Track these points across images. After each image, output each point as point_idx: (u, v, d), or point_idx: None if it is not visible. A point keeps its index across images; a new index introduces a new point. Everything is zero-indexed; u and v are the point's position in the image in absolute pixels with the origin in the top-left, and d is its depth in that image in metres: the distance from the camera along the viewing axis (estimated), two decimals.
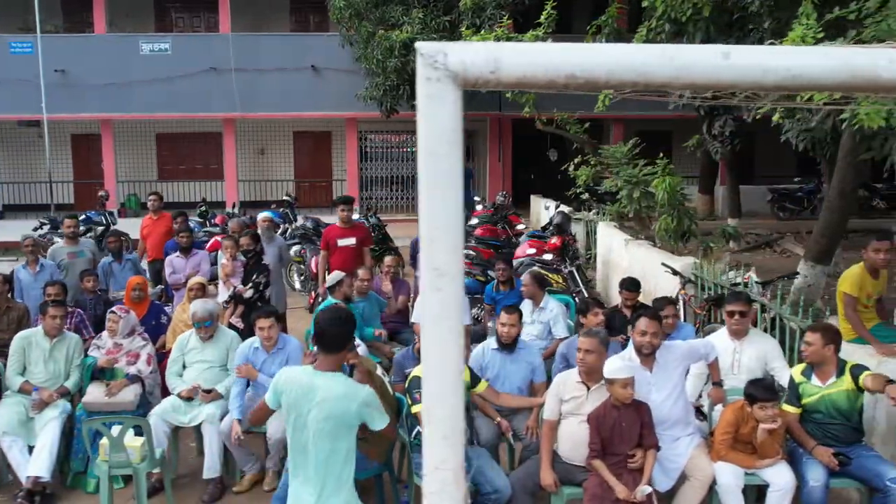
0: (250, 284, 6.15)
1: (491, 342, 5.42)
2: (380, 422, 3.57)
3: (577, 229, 13.20)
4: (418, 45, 1.12)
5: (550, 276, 8.75)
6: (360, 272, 7.11)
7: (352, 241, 8.20)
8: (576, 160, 12.69)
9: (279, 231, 13.55)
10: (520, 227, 12.08)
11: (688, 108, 11.81)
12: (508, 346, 5.29)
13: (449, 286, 1.16)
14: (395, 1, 15.63)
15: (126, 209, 18.56)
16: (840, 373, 4.59)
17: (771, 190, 18.13)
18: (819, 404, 4.59)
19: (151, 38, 18.08)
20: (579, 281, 8.69)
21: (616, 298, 9.70)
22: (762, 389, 4.48)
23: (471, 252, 11.25)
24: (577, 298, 8.65)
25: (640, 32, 8.44)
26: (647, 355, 4.78)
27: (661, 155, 11.77)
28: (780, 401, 4.83)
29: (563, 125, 12.94)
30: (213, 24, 19.54)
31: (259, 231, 8.71)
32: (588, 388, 4.58)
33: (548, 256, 9.35)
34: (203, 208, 14.16)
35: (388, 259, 7.79)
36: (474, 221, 13.33)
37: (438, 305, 1.10)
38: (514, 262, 9.84)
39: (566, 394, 4.67)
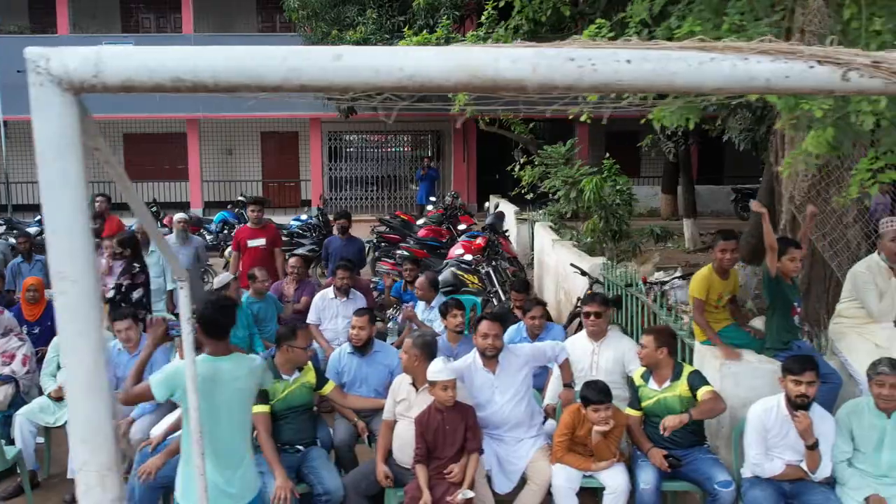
0: (112, 284, 6.16)
1: (346, 346, 5.41)
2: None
3: (523, 230, 13.19)
4: (25, 50, 1.10)
5: (467, 276, 8.74)
6: (256, 273, 7.11)
7: (262, 241, 8.22)
8: (521, 160, 12.68)
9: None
10: (461, 227, 12.05)
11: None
12: (360, 349, 5.28)
13: (72, 290, 1.12)
14: (351, 1, 15.63)
15: (92, 209, 18.63)
16: (676, 377, 4.56)
17: (734, 190, 18.06)
18: (656, 407, 4.58)
19: (113, 39, 18.11)
20: (495, 281, 8.65)
21: (548, 298, 9.72)
22: (595, 391, 4.46)
23: (405, 253, 11.26)
24: (493, 299, 8.64)
25: (497, 32, 8.38)
26: (491, 357, 4.76)
27: (608, 155, 11.77)
28: (626, 403, 4.83)
29: (508, 125, 12.91)
30: (180, 25, 19.57)
31: (174, 232, 8.75)
32: (416, 390, 4.56)
33: (468, 257, 9.33)
34: (154, 209, 14.20)
35: (292, 260, 7.79)
36: (421, 222, 13.33)
37: (63, 310, 1.07)
38: (444, 263, 9.84)
39: (399, 395, 4.66)
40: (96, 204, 9.74)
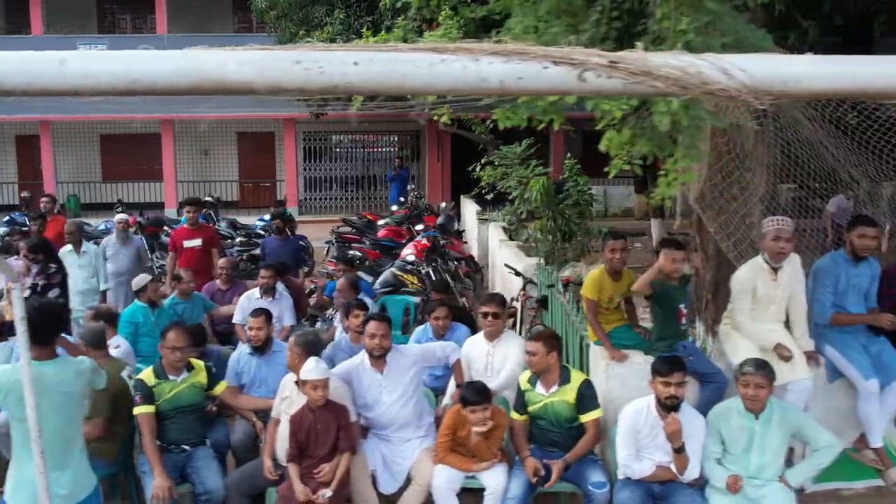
0: (28, 284, 6.20)
1: (246, 347, 5.42)
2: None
3: (484, 230, 13.18)
4: None
5: (407, 277, 8.74)
6: (182, 274, 7.13)
7: (197, 242, 8.23)
8: (482, 160, 12.67)
9: None
10: (419, 227, 12.04)
11: None
12: (259, 349, 5.29)
13: None
14: (320, 1, 15.63)
15: (66, 210, 18.68)
16: (565, 381, 4.55)
17: None
18: (543, 412, 4.56)
19: (88, 40, 18.14)
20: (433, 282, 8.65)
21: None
22: (472, 392, 4.46)
23: (357, 253, 11.27)
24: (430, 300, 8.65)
25: (395, 31, 8.31)
26: (378, 357, 4.77)
27: (569, 155, 11.74)
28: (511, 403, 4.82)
29: (468, 125, 12.90)
30: (156, 25, 19.62)
31: (115, 232, 8.78)
32: (298, 389, 4.58)
33: (411, 258, 9.33)
34: (119, 209, 14.24)
35: (221, 261, 7.80)
36: (382, 222, 13.34)
37: None
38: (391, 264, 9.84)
39: (284, 392, 4.68)
40: (41, 204, 9.74)
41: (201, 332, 5.72)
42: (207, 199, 15.74)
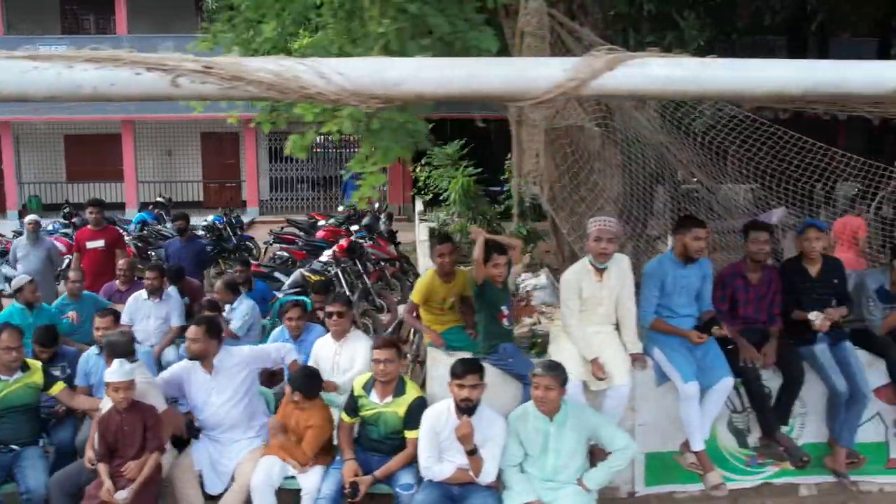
0: None
1: (94, 348, 5.45)
2: None
3: (422, 231, 13.21)
4: None
5: (313, 277, 8.77)
6: (70, 274, 7.16)
7: (100, 243, 8.27)
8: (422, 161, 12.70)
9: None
10: (354, 227, 12.07)
11: None
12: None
13: None
14: None
15: (27, 210, 18.78)
16: (400, 393, 4.54)
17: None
18: (374, 419, 4.55)
19: (48, 41, 18.23)
20: (343, 283, 8.70)
21: None
22: (297, 381, 4.52)
23: (284, 254, 11.32)
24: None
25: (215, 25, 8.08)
26: (206, 359, 4.79)
27: (510, 156, 11.76)
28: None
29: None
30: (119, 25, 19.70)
31: (25, 233, 8.82)
32: None
33: (324, 258, 9.38)
34: (67, 210, 14.32)
35: (120, 262, 7.83)
36: (322, 223, 13.37)
37: None
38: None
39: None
40: None
41: (53, 332, 5.74)
42: (159, 199, 15.83)
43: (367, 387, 4.62)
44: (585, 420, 4.16)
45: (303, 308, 5.80)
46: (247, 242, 13.58)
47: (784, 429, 4.93)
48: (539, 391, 4.04)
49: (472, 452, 4.10)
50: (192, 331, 4.74)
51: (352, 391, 4.71)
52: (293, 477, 4.57)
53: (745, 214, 6.45)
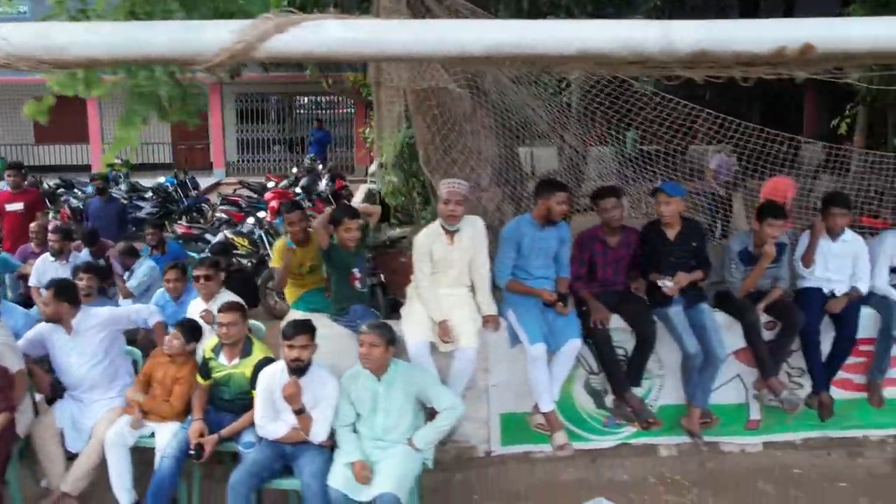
0: None
1: None
2: None
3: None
4: None
5: (237, 240, 8.78)
6: None
7: (20, 205, 8.30)
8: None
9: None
10: (297, 190, 12.03)
11: None
12: None
13: None
14: None
15: None
16: (246, 354, 4.58)
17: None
18: (225, 380, 4.60)
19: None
20: (266, 245, 8.70)
21: None
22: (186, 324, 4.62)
23: (222, 216, 11.31)
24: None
25: None
26: (63, 321, 4.81)
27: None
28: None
29: (358, 86, 12.76)
30: None
31: None
32: None
33: (251, 220, 9.37)
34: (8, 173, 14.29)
35: (32, 224, 7.84)
36: (270, 185, 13.32)
37: None
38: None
39: None
40: None
41: None
42: (116, 161, 15.74)
43: (216, 349, 4.66)
44: (413, 380, 4.19)
45: (181, 270, 5.80)
46: (202, 204, 13.59)
47: (639, 390, 4.96)
48: (363, 348, 4.07)
49: (300, 412, 4.14)
50: (46, 295, 4.77)
51: (203, 354, 4.76)
52: (152, 435, 4.63)
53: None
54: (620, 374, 4.76)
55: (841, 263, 5.01)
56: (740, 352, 4.97)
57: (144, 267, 6.82)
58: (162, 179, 13.65)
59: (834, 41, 2.28)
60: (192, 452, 4.39)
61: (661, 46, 2.24)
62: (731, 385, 5.05)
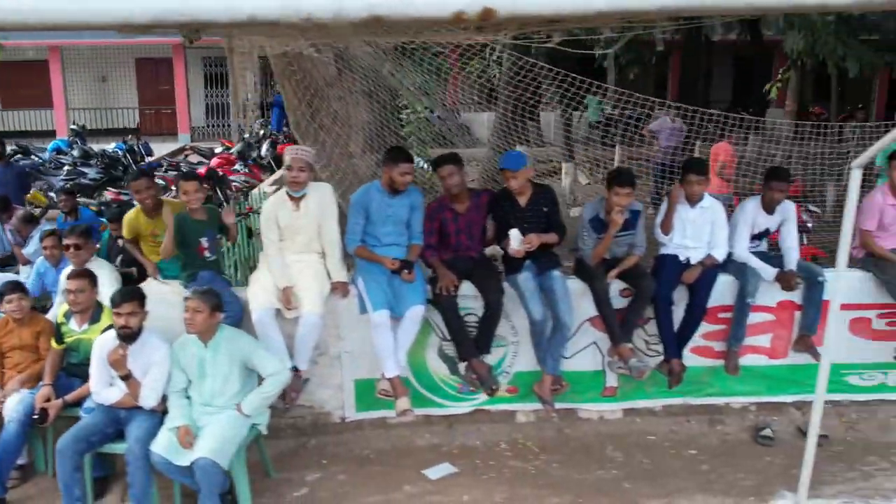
0: None
1: None
2: None
3: None
4: None
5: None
6: None
7: None
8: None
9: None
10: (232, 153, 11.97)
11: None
12: None
13: None
14: None
15: None
16: (94, 320, 4.63)
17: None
18: (75, 345, 4.65)
19: None
20: None
21: None
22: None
23: (161, 182, 11.27)
24: None
25: None
26: None
27: None
28: None
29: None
30: None
31: None
32: None
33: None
34: None
35: None
36: (218, 150, 13.27)
37: None
38: None
39: None
40: None
41: None
42: (73, 126, 15.72)
43: (67, 315, 4.70)
44: (239, 346, 4.21)
45: (58, 237, 5.80)
46: (25, 169, 13.49)
47: (494, 357, 4.98)
48: (187, 314, 4.09)
49: (126, 377, 4.17)
50: None
51: (55, 320, 4.80)
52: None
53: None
54: (467, 340, 4.76)
55: (698, 230, 4.97)
56: (595, 319, 4.96)
57: (41, 233, 6.83)
58: (111, 146, 13.59)
59: (514, 4, 2.22)
60: (35, 417, 4.46)
61: (334, 12, 2.19)
62: (587, 352, 5.06)
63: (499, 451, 4.89)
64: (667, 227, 4.98)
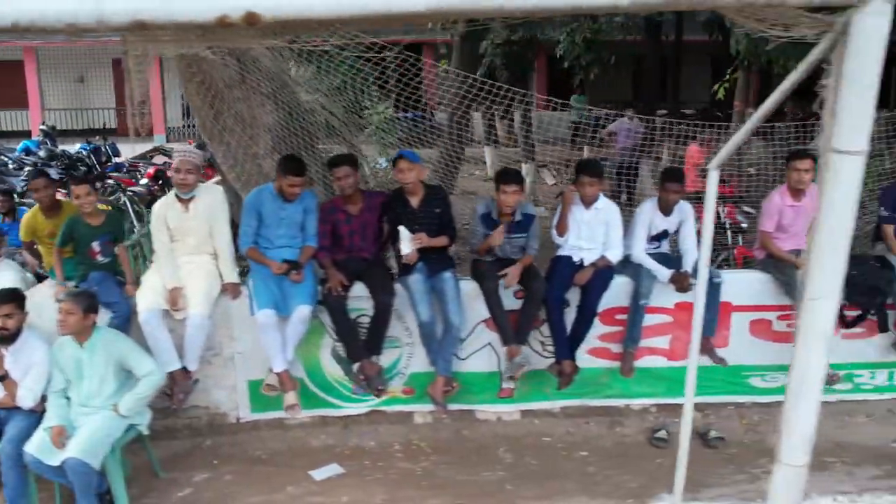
0: None
1: None
2: None
3: None
4: None
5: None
6: None
7: None
8: None
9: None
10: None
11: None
12: None
13: None
14: None
15: None
16: None
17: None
18: None
19: None
20: (131, 211, 8.74)
21: None
22: None
23: (111, 182, 11.30)
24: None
25: None
26: None
27: None
28: None
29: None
30: None
31: None
32: None
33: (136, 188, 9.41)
34: None
35: None
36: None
37: None
38: None
39: None
40: None
41: None
42: (42, 127, 15.75)
43: None
44: (115, 346, 4.22)
45: None
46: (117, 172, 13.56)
47: (391, 357, 5.00)
48: (60, 315, 4.11)
49: (3, 378, 4.19)
50: None
51: None
52: None
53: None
54: (356, 341, 4.78)
55: (593, 231, 4.98)
56: (489, 320, 4.96)
57: None
58: (76, 146, 13.62)
59: (278, 7, 2.23)
60: None
61: (96, 17, 2.20)
62: (483, 353, 5.06)
63: (391, 452, 4.90)
64: (562, 228, 4.98)
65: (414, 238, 4.68)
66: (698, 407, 5.29)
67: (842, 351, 5.29)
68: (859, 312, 5.21)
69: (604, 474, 4.65)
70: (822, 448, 4.91)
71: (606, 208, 4.99)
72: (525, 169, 12.32)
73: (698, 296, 3.12)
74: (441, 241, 4.83)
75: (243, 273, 4.99)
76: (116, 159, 14.20)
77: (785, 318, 5.18)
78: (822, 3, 2.43)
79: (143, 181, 10.33)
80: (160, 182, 9.85)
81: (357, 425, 5.11)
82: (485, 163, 14.86)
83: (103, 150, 13.96)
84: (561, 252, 5.04)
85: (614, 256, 4.97)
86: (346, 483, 4.56)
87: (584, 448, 4.96)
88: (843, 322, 5.25)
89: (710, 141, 8.56)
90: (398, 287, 4.85)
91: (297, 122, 5.48)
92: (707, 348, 5.07)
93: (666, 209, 5.04)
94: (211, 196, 4.79)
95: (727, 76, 10.19)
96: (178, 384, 4.67)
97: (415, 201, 4.83)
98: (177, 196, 4.73)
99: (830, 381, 5.05)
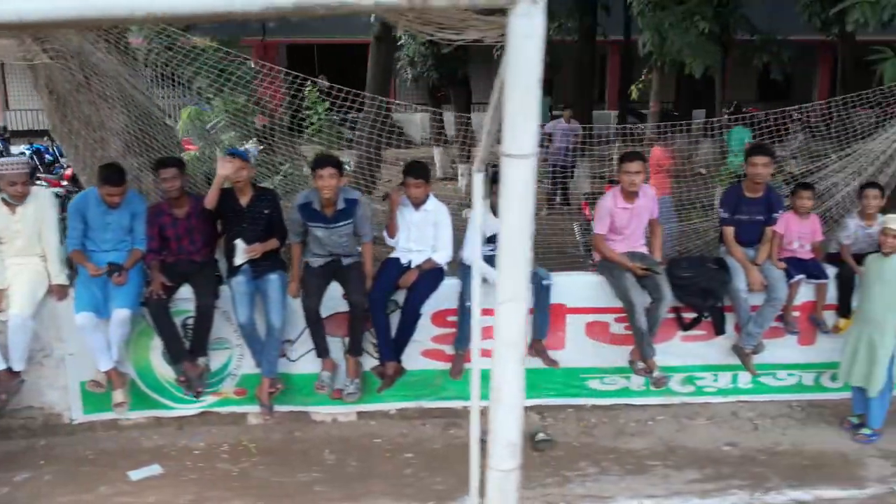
0: None
1: None
2: None
3: None
4: None
5: None
6: None
7: None
8: None
9: None
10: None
11: None
12: None
13: None
14: None
15: None
16: None
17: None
18: None
19: None
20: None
21: None
22: None
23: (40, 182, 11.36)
24: None
25: None
26: None
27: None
28: None
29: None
30: None
31: None
32: None
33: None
34: None
35: None
36: None
37: None
38: None
39: None
40: None
41: None
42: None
43: None
44: None
45: None
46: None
47: (221, 359, 5.04)
48: None
49: None
50: None
51: None
52: None
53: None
54: (176, 343, 4.81)
55: (422, 233, 4.99)
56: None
57: None
58: (21, 148, 13.71)
59: None
60: None
61: None
62: (313, 355, 5.08)
63: (217, 453, 4.93)
64: (392, 229, 5.00)
65: (248, 250, 4.72)
66: (537, 409, 5.32)
67: (682, 353, 5.31)
68: (696, 315, 5.22)
69: (418, 476, 4.67)
70: (652, 451, 5.01)
71: (436, 210, 5.01)
72: (461, 170, 12.33)
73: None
74: (272, 244, 4.87)
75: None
76: (63, 160, 14.29)
77: (622, 320, 5.18)
78: (487, 5, 2.45)
79: (64, 182, 10.39)
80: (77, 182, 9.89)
81: (191, 426, 5.15)
82: (434, 164, 14.89)
83: (51, 150, 14.05)
84: (393, 254, 5.07)
85: (442, 258, 4.99)
86: (159, 484, 4.60)
87: (412, 450, 4.97)
88: (681, 324, 5.27)
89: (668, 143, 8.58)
90: (225, 289, 4.89)
91: (142, 125, 5.52)
92: (539, 350, 5.08)
93: (496, 211, 5.04)
94: (38, 201, 4.86)
95: (642, 77, 10.17)
96: (3, 384, 4.72)
97: (244, 200, 4.86)
98: (4, 200, 4.77)
99: (657, 383, 5.05)
